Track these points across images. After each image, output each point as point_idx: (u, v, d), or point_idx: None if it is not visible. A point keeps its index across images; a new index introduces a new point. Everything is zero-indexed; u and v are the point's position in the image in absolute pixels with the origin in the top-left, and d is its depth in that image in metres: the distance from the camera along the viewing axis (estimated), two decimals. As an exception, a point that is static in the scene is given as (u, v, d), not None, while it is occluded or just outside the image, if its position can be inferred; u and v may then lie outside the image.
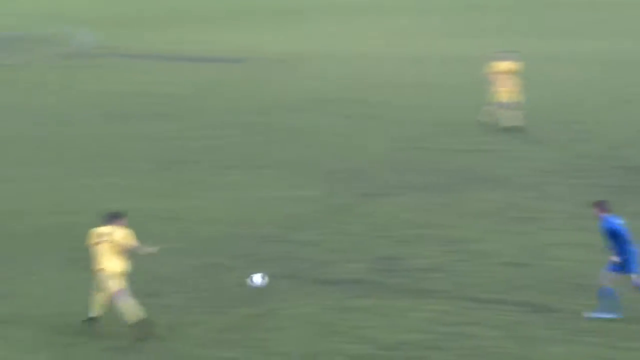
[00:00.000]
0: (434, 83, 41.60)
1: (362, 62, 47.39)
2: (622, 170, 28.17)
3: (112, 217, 17.59)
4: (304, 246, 21.93)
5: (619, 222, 17.82)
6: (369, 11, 64.88)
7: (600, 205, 17.96)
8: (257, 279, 18.50)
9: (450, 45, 51.12)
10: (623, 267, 17.68)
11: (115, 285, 17.16)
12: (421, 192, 26.07)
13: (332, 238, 22.48)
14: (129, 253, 17.41)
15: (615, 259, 17.66)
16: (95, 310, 17.37)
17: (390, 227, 23.25)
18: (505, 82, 33.27)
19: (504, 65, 33.62)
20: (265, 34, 56.89)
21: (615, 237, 17.65)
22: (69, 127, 33.36)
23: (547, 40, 52.35)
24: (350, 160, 29.43)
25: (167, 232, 22.68)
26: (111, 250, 17.22)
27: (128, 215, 17.70)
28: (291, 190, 26.34)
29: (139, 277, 19.52)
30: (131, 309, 17.06)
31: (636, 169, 28.33)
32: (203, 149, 30.79)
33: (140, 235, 22.31)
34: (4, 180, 26.76)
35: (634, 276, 17.75)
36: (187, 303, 18.67)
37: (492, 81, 33.51)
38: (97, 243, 17.28)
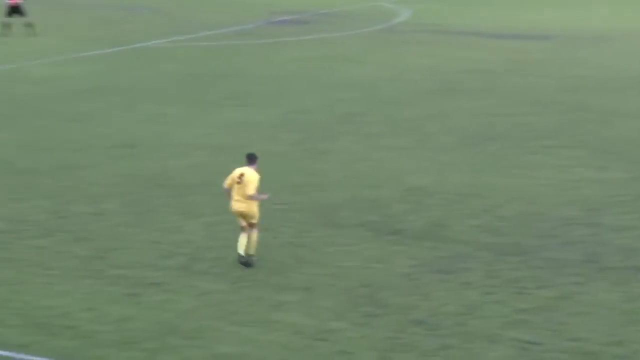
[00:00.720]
0: None
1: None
2: None
3: (251, 159, 19.18)
4: (610, 231, 21.15)
5: None
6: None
7: None
8: None
9: None
10: None
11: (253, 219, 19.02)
12: None
13: (642, 224, 21.53)
14: (248, 196, 18.82)
15: None
16: (244, 249, 19.00)
17: None
18: None
19: None
20: (578, 10, 55.37)
21: None
22: (388, 101, 33.81)
23: None
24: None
25: (468, 209, 22.57)
26: (244, 192, 18.85)
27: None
28: (598, 172, 25.51)
29: (437, 254, 19.59)
30: (245, 244, 18.90)
31: None
32: (512, 126, 30.40)
33: (438, 209, 22.45)
34: (321, 152, 27.50)
35: None
36: (487, 281, 18.48)
37: None
38: (237, 182, 18.90)
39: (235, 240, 19.18)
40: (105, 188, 23.80)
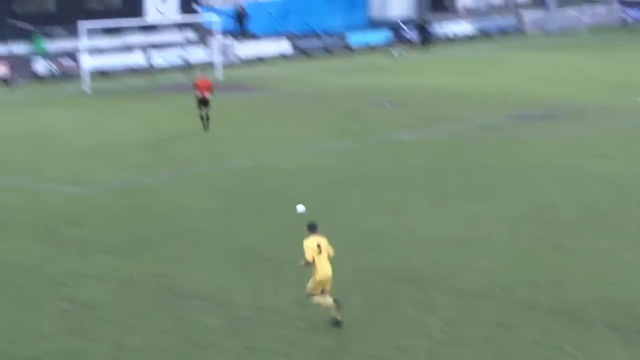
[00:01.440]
0: None
1: None
2: None
3: (315, 227, 20.89)
4: None
5: None
6: None
7: None
8: (301, 208, 21.73)
9: None
10: None
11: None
12: None
13: None
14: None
15: None
16: (335, 313, 20.82)
17: None
18: None
19: None
20: None
21: None
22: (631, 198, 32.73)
23: None
24: None
25: None
26: (327, 258, 20.71)
27: None
28: None
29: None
30: (332, 305, 20.73)
31: None
32: None
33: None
34: (566, 249, 26.76)
35: None
36: None
37: None
38: (319, 253, 20.56)
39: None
40: (347, 279, 23.94)
